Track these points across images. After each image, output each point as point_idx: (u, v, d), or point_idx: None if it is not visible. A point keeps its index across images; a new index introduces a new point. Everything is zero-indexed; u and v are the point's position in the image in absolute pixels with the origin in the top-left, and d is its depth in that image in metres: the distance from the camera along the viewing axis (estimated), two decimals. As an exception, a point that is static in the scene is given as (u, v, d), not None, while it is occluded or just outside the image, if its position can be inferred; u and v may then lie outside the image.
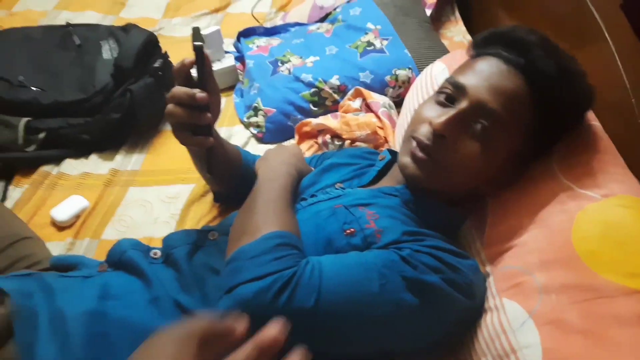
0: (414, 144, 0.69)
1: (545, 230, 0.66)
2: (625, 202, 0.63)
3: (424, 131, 0.68)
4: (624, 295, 0.54)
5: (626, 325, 0.51)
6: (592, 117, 0.76)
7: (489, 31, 0.75)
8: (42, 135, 1.14)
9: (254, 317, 0.55)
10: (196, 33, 0.66)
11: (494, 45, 0.70)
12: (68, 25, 1.43)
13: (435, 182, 0.69)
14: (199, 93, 0.61)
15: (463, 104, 0.66)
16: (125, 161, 1.14)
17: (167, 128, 1.22)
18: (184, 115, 0.63)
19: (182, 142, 0.67)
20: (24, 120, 1.14)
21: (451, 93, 0.69)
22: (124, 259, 0.68)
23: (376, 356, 0.68)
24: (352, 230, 0.65)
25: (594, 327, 0.53)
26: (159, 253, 0.71)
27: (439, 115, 0.67)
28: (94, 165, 1.14)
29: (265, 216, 0.64)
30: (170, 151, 1.16)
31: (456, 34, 1.47)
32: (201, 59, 0.63)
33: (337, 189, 0.78)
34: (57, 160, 1.14)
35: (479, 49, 0.73)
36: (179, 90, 0.62)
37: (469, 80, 0.68)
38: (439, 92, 0.72)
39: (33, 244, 0.81)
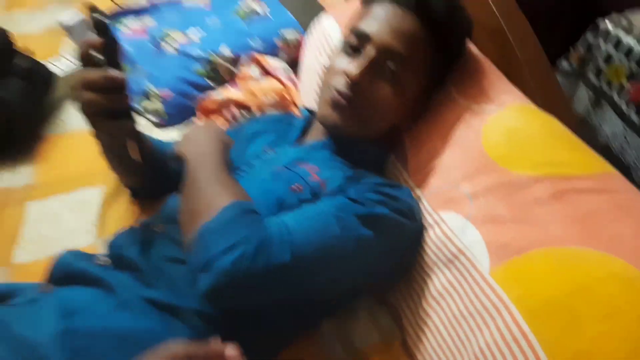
0: (334, 94, 0.73)
1: (458, 148, 0.75)
2: (517, 109, 0.75)
3: (340, 81, 0.73)
4: (536, 182, 0.65)
5: (544, 204, 0.62)
6: (474, 47, 0.87)
7: None
8: None
9: (236, 288, 0.56)
10: (94, 9, 0.60)
11: None
12: None
13: (356, 128, 0.74)
14: (116, 73, 0.57)
15: (371, 52, 0.71)
16: (12, 177, 1.01)
17: (51, 132, 1.10)
18: (103, 100, 0.57)
19: (108, 132, 0.62)
20: None
21: (356, 43, 0.74)
22: (73, 271, 0.63)
23: (343, 296, 0.73)
24: (299, 186, 0.68)
25: (520, 213, 0.63)
26: (105, 259, 0.66)
27: (350, 64, 0.72)
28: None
29: (213, 191, 0.63)
30: (61, 156, 1.05)
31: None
32: (109, 36, 0.58)
33: (268, 153, 0.79)
34: None
35: None
36: (92, 73, 0.57)
37: (370, 27, 0.73)
38: (345, 42, 0.76)
39: None
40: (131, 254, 0.65)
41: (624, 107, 1.19)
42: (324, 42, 1.00)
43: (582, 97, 1.33)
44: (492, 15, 0.87)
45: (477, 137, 0.74)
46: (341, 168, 0.73)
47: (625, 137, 1.20)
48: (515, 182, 0.66)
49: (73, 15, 1.19)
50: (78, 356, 0.52)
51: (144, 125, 1.12)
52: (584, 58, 1.30)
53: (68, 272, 0.63)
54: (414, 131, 0.82)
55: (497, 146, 0.71)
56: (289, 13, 1.22)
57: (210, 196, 0.62)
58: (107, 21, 0.59)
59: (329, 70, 0.77)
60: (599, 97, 1.27)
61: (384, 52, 0.71)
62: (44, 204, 0.96)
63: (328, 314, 0.74)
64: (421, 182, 0.78)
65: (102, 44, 0.57)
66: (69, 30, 1.18)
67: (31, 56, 1.12)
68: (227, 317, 0.60)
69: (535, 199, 0.64)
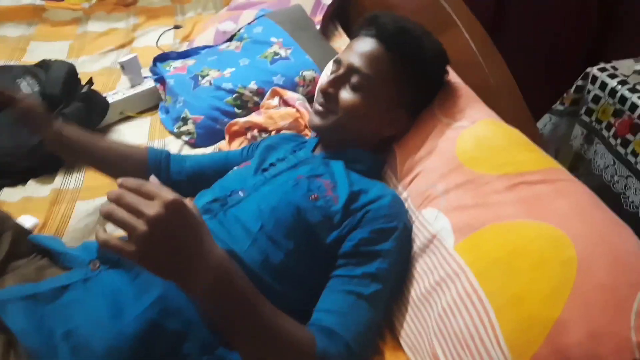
0: (315, 105, 0.92)
1: (437, 156, 0.89)
2: (486, 123, 0.88)
3: (319, 95, 0.91)
4: (496, 178, 0.77)
5: (500, 193, 0.74)
6: (456, 76, 1.02)
7: (358, 21, 0.98)
8: (-27, 168, 1.16)
9: None
10: None
11: (360, 29, 0.94)
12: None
13: (333, 125, 0.89)
14: None
15: (340, 71, 0.90)
16: (65, 182, 1.20)
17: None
18: None
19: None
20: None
21: (335, 68, 0.92)
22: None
23: None
24: (316, 196, 0.80)
25: (481, 200, 0.75)
26: None
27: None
28: (34, 189, 1.18)
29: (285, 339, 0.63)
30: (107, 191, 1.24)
31: (342, 44, 1.74)
32: None
33: (286, 160, 0.92)
34: (-7, 191, 1.16)
35: (354, 34, 0.97)
36: None
37: (343, 54, 0.92)
38: (331, 71, 0.94)
39: None
40: None
41: (612, 141, 1.30)
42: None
43: (577, 135, 1.45)
44: (472, 52, 1.03)
45: (452, 147, 0.87)
46: (350, 183, 0.83)
47: (614, 168, 1.30)
48: (479, 180, 0.79)
49: (129, 56, 1.44)
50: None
51: (180, 146, 1.31)
52: (576, 100, 1.44)
53: (109, 254, 0.71)
54: (402, 144, 0.96)
55: (466, 152, 0.84)
56: (308, 56, 1.43)
57: (289, 347, 0.63)
58: None
59: (316, 92, 0.95)
60: (591, 133, 1.39)
61: (348, 69, 0.89)
62: (90, 203, 1.13)
63: None
64: (407, 186, 0.92)
65: None
66: (123, 66, 1.42)
67: (92, 88, 1.35)
68: None
69: (494, 190, 0.76)
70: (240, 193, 0.84)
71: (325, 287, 0.74)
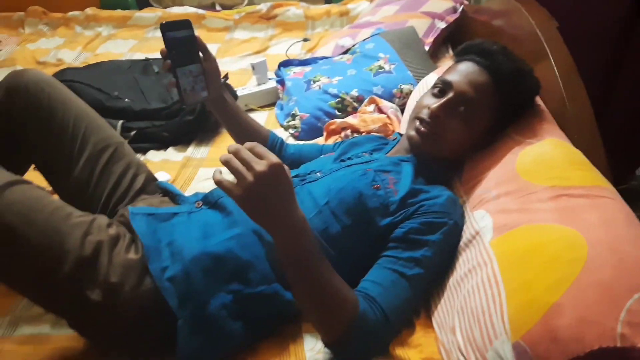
0: (417, 122, 1.00)
1: (499, 167, 0.97)
2: (551, 142, 0.95)
3: (424, 113, 0.98)
4: (543, 189, 0.84)
5: (544, 201, 0.81)
6: (538, 100, 1.09)
7: (465, 44, 1.07)
8: (133, 132, 1.51)
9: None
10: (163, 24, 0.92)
11: (469, 54, 1.02)
12: (147, 59, 1.85)
13: (432, 149, 0.99)
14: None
15: (450, 94, 0.96)
16: (195, 152, 1.51)
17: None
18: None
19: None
20: (120, 122, 1.52)
21: (442, 87, 1.01)
22: (220, 202, 0.92)
23: None
24: (378, 185, 0.91)
25: (524, 207, 0.83)
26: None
27: (434, 102, 0.98)
28: (171, 154, 1.50)
29: (335, 299, 0.75)
30: (228, 142, 1.52)
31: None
32: (179, 39, 0.92)
33: (364, 156, 1.07)
34: (143, 151, 1.50)
35: (459, 56, 1.06)
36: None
37: (453, 77, 0.98)
38: (434, 87, 1.03)
39: (129, 150, 1.08)
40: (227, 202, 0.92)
41: None
42: (424, 90, 1.31)
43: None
44: (555, 79, 1.09)
45: (514, 160, 0.95)
46: (412, 181, 0.95)
47: None
48: (528, 188, 0.86)
49: (259, 59, 1.72)
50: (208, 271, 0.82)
51: (286, 138, 1.54)
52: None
53: (217, 201, 0.93)
54: (473, 157, 1.06)
55: (525, 164, 0.92)
56: (409, 72, 1.57)
57: (337, 302, 0.75)
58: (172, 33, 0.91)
59: (418, 104, 1.04)
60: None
61: (460, 96, 0.95)
62: (210, 171, 1.41)
63: None
64: (468, 191, 1.01)
65: (164, 52, 0.92)
66: (254, 67, 1.71)
67: (227, 82, 1.65)
68: None
69: (538, 199, 0.83)
70: (318, 174, 1.00)
71: (375, 264, 0.87)
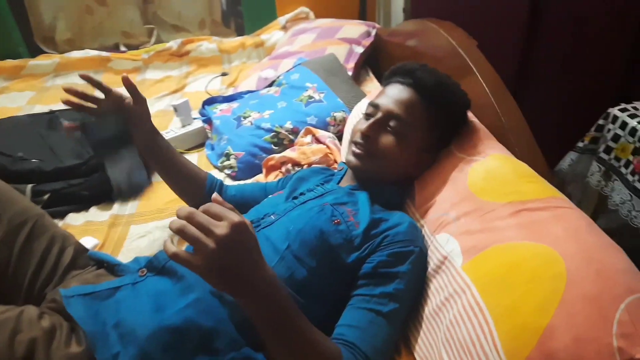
0: (353, 146, 1.00)
1: (451, 186, 0.98)
2: (496, 157, 0.97)
3: (357, 136, 1.01)
4: (501, 206, 0.85)
5: (504, 219, 0.82)
6: (473, 117, 1.12)
7: (390, 68, 1.10)
8: (46, 196, 1.34)
9: None
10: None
11: (395, 76, 1.05)
12: (52, 111, 1.67)
13: (372, 167, 0.98)
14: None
15: (379, 115, 1.00)
16: (121, 208, 1.36)
17: (155, 180, 1.46)
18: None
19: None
20: (30, 185, 1.34)
21: (371, 111, 1.02)
22: (168, 267, 0.83)
23: None
24: (339, 220, 0.88)
25: (486, 226, 0.83)
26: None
27: (364, 125, 1.00)
28: (95, 215, 1.34)
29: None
30: (159, 197, 1.39)
31: (373, 88, 1.88)
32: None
33: (316, 190, 1.03)
34: (61, 216, 1.33)
35: (386, 80, 1.09)
36: None
37: (380, 100, 1.02)
38: (365, 113, 1.05)
39: (51, 222, 0.95)
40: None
41: (630, 177, 1.34)
42: (358, 117, 1.30)
43: (594, 171, 1.49)
44: (487, 96, 1.13)
45: (464, 178, 0.96)
46: (371, 211, 0.92)
47: (632, 203, 1.34)
48: (486, 207, 0.87)
49: (181, 100, 1.63)
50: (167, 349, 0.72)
51: (222, 179, 1.45)
52: (595, 138, 1.49)
53: (165, 265, 0.84)
54: (421, 177, 1.06)
55: (477, 183, 0.93)
56: (339, 99, 1.57)
57: (318, 357, 0.70)
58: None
59: (353, 131, 1.05)
60: (609, 170, 1.43)
61: (387, 114, 0.98)
62: (142, 227, 1.28)
63: None
64: (423, 214, 1.01)
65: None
66: (176, 109, 1.61)
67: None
68: None
69: (499, 217, 0.84)
70: (272, 216, 0.95)
71: (347, 305, 0.83)
